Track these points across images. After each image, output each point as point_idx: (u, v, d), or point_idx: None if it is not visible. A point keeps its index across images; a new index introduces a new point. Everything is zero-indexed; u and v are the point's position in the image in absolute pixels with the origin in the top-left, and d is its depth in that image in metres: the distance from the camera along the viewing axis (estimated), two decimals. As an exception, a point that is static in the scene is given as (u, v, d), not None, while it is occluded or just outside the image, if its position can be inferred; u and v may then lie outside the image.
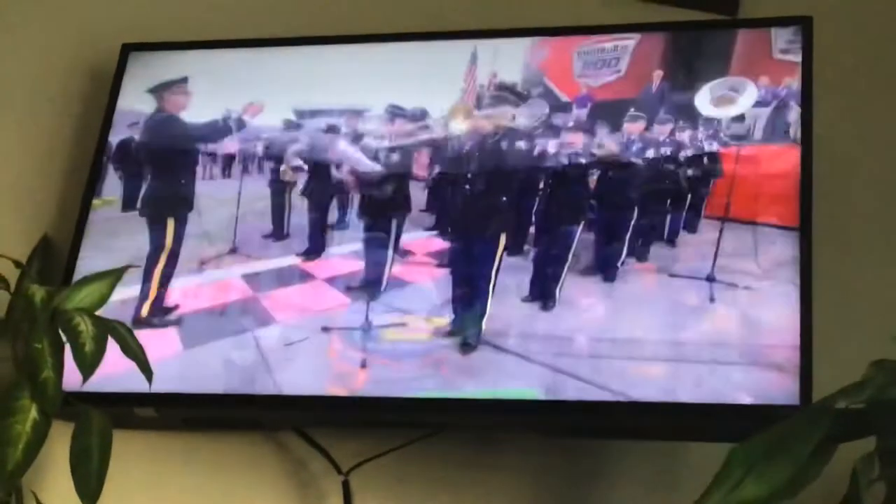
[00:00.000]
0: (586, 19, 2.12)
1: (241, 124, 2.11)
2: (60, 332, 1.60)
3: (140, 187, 2.10)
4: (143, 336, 1.69)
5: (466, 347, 1.84)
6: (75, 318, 1.60)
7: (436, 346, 1.85)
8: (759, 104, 1.90)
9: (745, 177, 1.88)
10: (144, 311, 1.98)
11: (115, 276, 1.72)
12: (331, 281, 1.99)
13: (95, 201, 2.08)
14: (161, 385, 1.70)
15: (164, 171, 2.12)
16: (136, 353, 1.63)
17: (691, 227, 1.93)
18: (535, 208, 1.97)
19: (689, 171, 1.95)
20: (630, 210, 1.96)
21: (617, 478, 1.90)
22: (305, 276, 2.01)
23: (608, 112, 1.99)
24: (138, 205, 2.09)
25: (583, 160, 1.97)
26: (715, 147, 1.93)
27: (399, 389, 1.80)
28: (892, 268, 1.99)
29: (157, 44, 2.18)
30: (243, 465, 1.97)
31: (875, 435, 1.29)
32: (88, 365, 1.56)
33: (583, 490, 1.91)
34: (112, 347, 1.60)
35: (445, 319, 1.88)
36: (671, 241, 1.94)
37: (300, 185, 2.11)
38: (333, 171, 2.09)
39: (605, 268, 1.92)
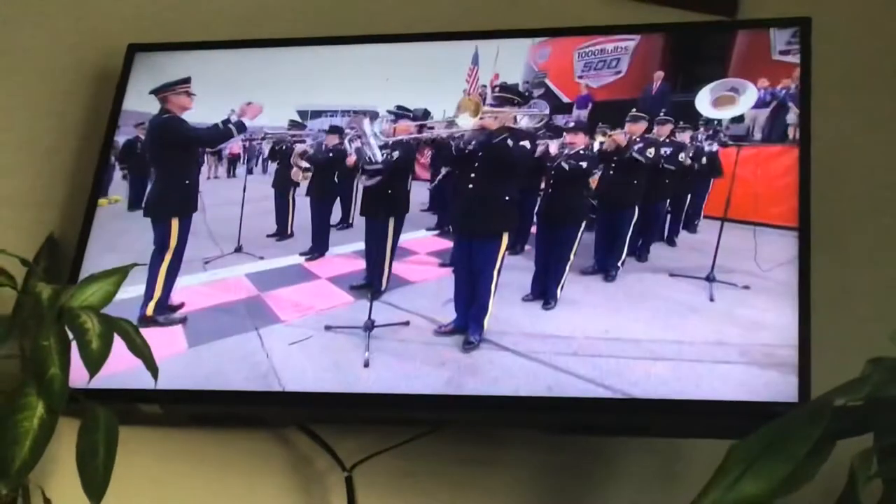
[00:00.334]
0: (587, 20, 2.13)
1: (241, 127, 2.12)
2: (67, 329, 1.61)
3: (146, 187, 2.11)
4: (149, 334, 1.69)
5: (468, 346, 1.84)
6: (82, 316, 1.61)
7: (438, 344, 1.86)
8: (758, 105, 1.91)
9: (744, 177, 1.89)
10: (149, 309, 1.99)
11: (121, 274, 1.72)
12: (334, 280, 2.00)
13: (101, 200, 2.09)
14: (166, 382, 1.72)
15: (168, 171, 2.13)
16: (141, 350, 1.64)
17: (691, 228, 1.95)
18: (536, 208, 1.99)
19: (689, 171, 1.96)
20: (631, 210, 1.97)
21: (616, 474, 1.91)
22: (309, 276, 2.02)
23: (609, 112, 2.00)
24: (143, 204, 2.10)
25: (584, 161, 1.97)
26: (714, 147, 1.94)
27: (402, 387, 1.81)
28: (891, 267, 2.00)
29: (163, 44, 2.19)
30: (248, 461, 1.98)
31: (872, 432, 1.30)
32: (95, 362, 1.56)
33: (583, 486, 1.92)
34: (118, 345, 1.61)
35: (447, 318, 1.89)
36: (671, 241, 1.96)
37: (304, 185, 2.12)
38: (337, 172, 2.11)
39: (605, 267, 1.94)
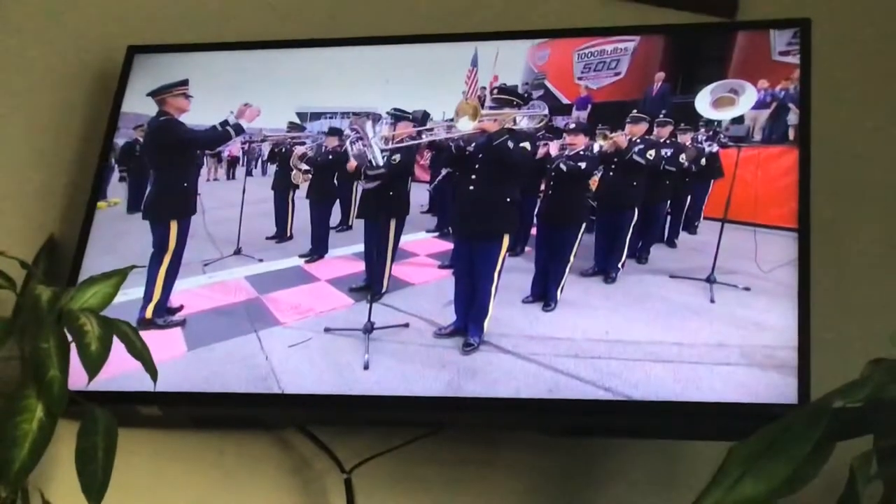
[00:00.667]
0: (586, 22, 2.12)
1: (239, 129, 2.12)
2: (66, 331, 1.61)
3: (144, 189, 2.11)
4: (148, 337, 1.69)
5: (468, 348, 1.84)
6: (81, 318, 1.61)
7: (438, 346, 1.86)
8: (758, 106, 1.91)
9: (744, 178, 1.89)
10: (149, 312, 2.00)
11: (120, 277, 1.72)
12: (333, 282, 2.00)
13: (100, 203, 2.09)
14: (166, 385, 1.72)
15: (167, 173, 2.12)
16: (141, 352, 1.64)
17: (691, 229, 1.95)
18: (536, 210, 1.98)
19: (689, 173, 1.96)
20: (630, 211, 1.97)
21: (616, 476, 1.91)
22: (308, 278, 2.02)
23: (608, 114, 2.00)
24: (142, 207, 2.09)
25: (584, 162, 1.97)
26: (715, 148, 1.94)
27: (401, 390, 1.81)
28: (892, 268, 2.00)
29: (163, 46, 2.19)
30: (247, 463, 1.98)
31: (872, 434, 1.30)
32: (94, 364, 1.56)
33: (583, 488, 1.92)
34: (117, 347, 1.61)
35: (447, 320, 1.89)
36: (671, 243, 1.96)
37: (303, 188, 2.12)
38: (336, 174, 2.11)
39: (605, 269, 1.94)
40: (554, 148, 1.98)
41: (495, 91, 2.02)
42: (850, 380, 1.32)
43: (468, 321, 1.88)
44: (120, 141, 2.14)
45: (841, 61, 2.09)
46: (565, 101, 2.05)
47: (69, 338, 1.60)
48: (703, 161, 1.95)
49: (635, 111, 1.98)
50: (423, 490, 1.93)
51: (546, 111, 2.02)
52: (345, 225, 2.09)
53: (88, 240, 2.03)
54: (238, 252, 2.06)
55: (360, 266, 2.00)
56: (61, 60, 2.31)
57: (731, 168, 1.90)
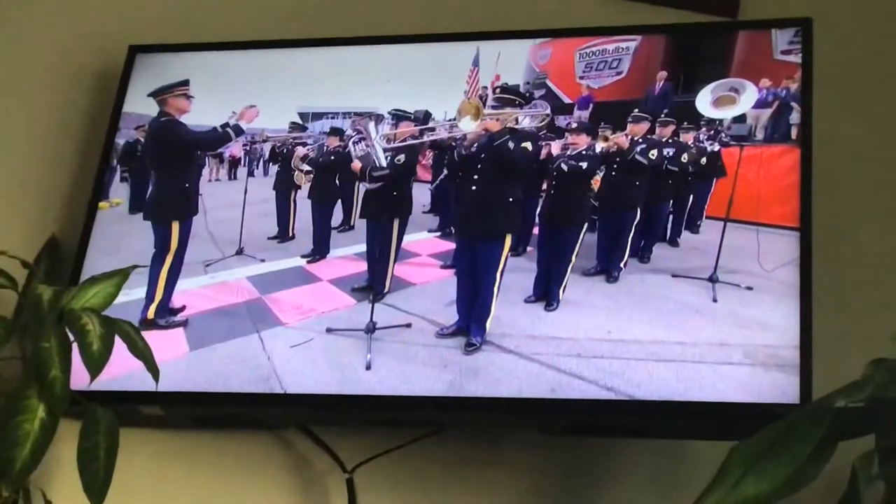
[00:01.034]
0: (587, 21, 2.12)
1: (238, 131, 2.12)
2: (68, 331, 1.61)
3: (146, 189, 2.11)
4: (150, 337, 1.69)
5: (470, 348, 1.84)
6: (83, 318, 1.61)
7: (440, 346, 1.85)
8: (760, 105, 1.90)
9: (747, 177, 1.89)
10: (151, 312, 2.00)
11: (122, 276, 1.73)
12: (335, 282, 2.00)
13: (102, 203, 2.09)
14: (168, 385, 1.72)
15: (168, 174, 2.12)
16: (143, 352, 1.64)
17: (694, 228, 1.94)
18: (538, 209, 1.98)
19: (692, 172, 1.96)
20: (633, 211, 1.97)
21: (618, 476, 1.91)
22: (310, 278, 2.02)
23: (610, 113, 2.00)
24: (143, 207, 2.10)
25: (586, 161, 1.97)
26: (717, 147, 1.94)
27: (403, 390, 1.81)
28: (893, 267, 1.99)
29: (164, 45, 2.19)
30: (249, 462, 1.98)
31: (874, 433, 1.30)
32: (96, 364, 1.56)
33: (584, 487, 1.92)
34: (119, 347, 1.61)
35: (449, 320, 1.89)
36: (674, 242, 1.95)
37: (305, 188, 2.12)
38: (338, 174, 2.11)
39: (608, 268, 1.94)
40: (556, 147, 1.98)
41: (497, 90, 2.02)
42: (851, 379, 1.31)
43: (470, 321, 1.88)
44: (121, 141, 2.14)
45: (843, 60, 2.08)
46: (567, 100, 2.05)
47: (71, 337, 1.61)
48: (705, 160, 1.95)
49: (637, 110, 1.98)
50: (424, 490, 1.92)
51: (548, 110, 2.02)
52: (347, 225, 2.09)
53: (90, 240, 2.03)
54: (240, 252, 2.06)
55: (362, 266, 2.00)
56: (63, 60, 2.31)
57: (734, 167, 1.90)
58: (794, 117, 1.86)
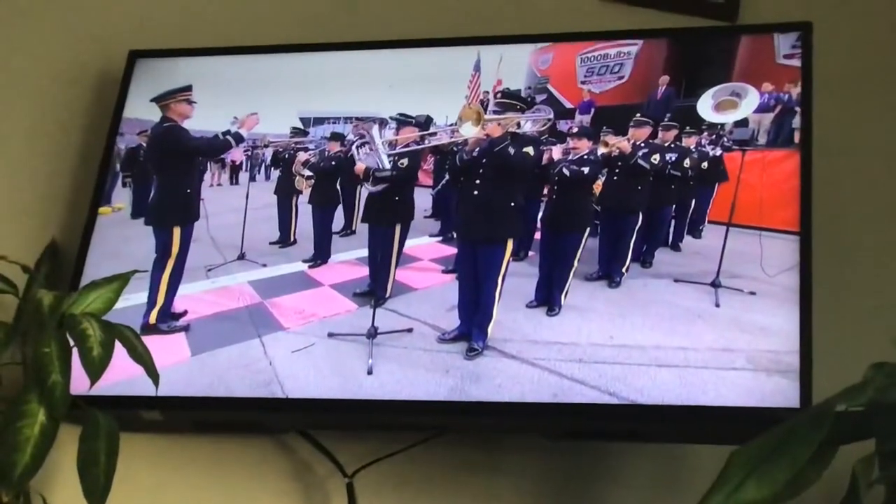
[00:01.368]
0: (589, 26, 2.12)
1: (238, 138, 2.12)
2: (68, 336, 1.62)
3: (148, 194, 2.12)
4: (152, 342, 1.70)
5: (472, 353, 1.84)
6: (83, 323, 1.61)
7: (441, 351, 1.85)
8: (762, 109, 1.90)
9: (749, 182, 1.89)
10: (152, 317, 2.00)
11: (122, 281, 1.73)
12: (337, 287, 2.00)
13: (105, 208, 2.09)
14: (169, 390, 1.73)
15: (169, 179, 2.13)
16: (143, 356, 1.64)
17: (696, 233, 1.94)
18: (540, 215, 1.98)
19: (694, 177, 1.96)
20: (635, 216, 1.97)
21: (619, 480, 1.90)
22: (312, 283, 2.02)
23: (612, 117, 2.00)
24: (145, 212, 2.10)
25: (588, 166, 1.97)
26: (719, 152, 1.93)
27: (405, 395, 1.81)
28: (893, 271, 1.99)
29: (164, 50, 2.19)
30: (249, 467, 1.98)
31: (874, 437, 1.29)
32: (96, 369, 1.57)
33: (586, 492, 1.91)
34: (119, 352, 1.61)
35: (451, 325, 1.89)
36: (676, 247, 1.95)
37: (306, 193, 2.12)
38: (339, 179, 2.11)
39: (610, 273, 1.94)
40: (557, 152, 1.98)
41: (498, 95, 2.02)
42: (852, 383, 1.31)
43: (472, 326, 1.88)
44: (124, 146, 2.15)
45: (845, 64, 2.08)
46: (568, 105, 2.05)
47: (71, 342, 1.61)
48: (707, 165, 1.95)
49: (639, 115, 1.97)
50: (425, 494, 1.92)
51: (551, 115, 2.02)
52: (348, 230, 2.10)
53: (90, 244, 2.03)
54: (242, 257, 2.07)
55: (364, 271, 2.01)
56: (63, 65, 2.31)
57: (736, 172, 1.90)
58: (797, 121, 1.86)
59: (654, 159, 1.97)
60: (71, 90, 2.29)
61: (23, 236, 2.11)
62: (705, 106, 1.91)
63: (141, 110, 2.14)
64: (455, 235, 2.01)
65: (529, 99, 2.03)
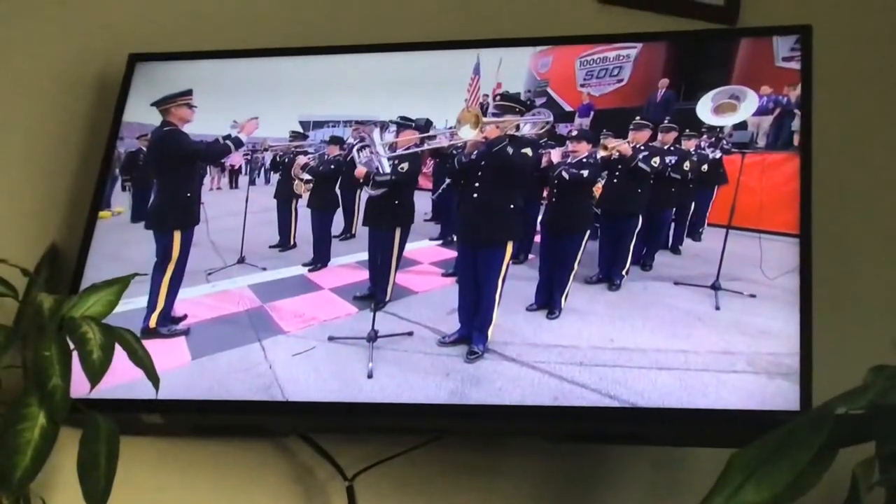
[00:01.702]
0: (588, 29, 2.12)
1: (238, 143, 2.12)
2: (68, 339, 1.61)
3: (148, 198, 2.12)
4: (152, 346, 1.69)
5: (472, 356, 1.84)
6: (83, 326, 1.61)
7: (442, 354, 1.85)
8: (761, 112, 1.90)
9: (749, 184, 1.89)
10: (153, 321, 2.00)
11: (122, 284, 1.72)
12: (337, 290, 2.00)
13: (105, 212, 2.09)
14: (170, 394, 1.73)
15: (170, 183, 2.13)
16: (143, 360, 1.64)
17: (696, 236, 1.94)
18: (540, 217, 1.98)
19: (693, 179, 1.96)
20: (634, 218, 1.97)
21: (619, 483, 1.91)
22: (312, 286, 2.02)
23: (611, 120, 2.00)
24: (145, 216, 2.10)
25: (587, 169, 1.97)
26: (718, 155, 1.93)
27: (405, 398, 1.81)
28: (894, 274, 1.99)
29: (164, 54, 2.19)
30: (249, 471, 1.98)
31: (875, 440, 1.29)
32: (96, 372, 1.57)
33: (585, 494, 1.91)
34: (119, 355, 1.61)
35: (451, 328, 1.89)
36: (676, 250, 1.95)
37: (305, 197, 2.13)
38: (339, 182, 2.11)
39: (610, 276, 1.94)
40: (556, 155, 1.98)
41: (498, 98, 2.02)
42: (852, 386, 1.31)
43: (472, 329, 1.88)
44: (123, 150, 2.15)
45: (845, 67, 2.08)
46: (568, 108, 2.05)
47: (71, 346, 1.61)
48: (707, 167, 1.95)
49: (638, 118, 1.97)
50: (425, 497, 1.92)
51: (550, 118, 2.02)
52: (348, 233, 2.10)
53: (91, 248, 2.03)
54: (241, 261, 2.07)
55: (364, 274, 2.01)
56: (63, 69, 2.32)
57: (735, 174, 1.90)
58: (796, 124, 1.86)
59: (655, 162, 1.97)
60: (71, 94, 2.30)
61: (23, 240, 2.11)
62: (705, 109, 1.92)
63: (141, 114, 2.14)
64: (455, 238, 2.01)
65: (528, 102, 2.03)
